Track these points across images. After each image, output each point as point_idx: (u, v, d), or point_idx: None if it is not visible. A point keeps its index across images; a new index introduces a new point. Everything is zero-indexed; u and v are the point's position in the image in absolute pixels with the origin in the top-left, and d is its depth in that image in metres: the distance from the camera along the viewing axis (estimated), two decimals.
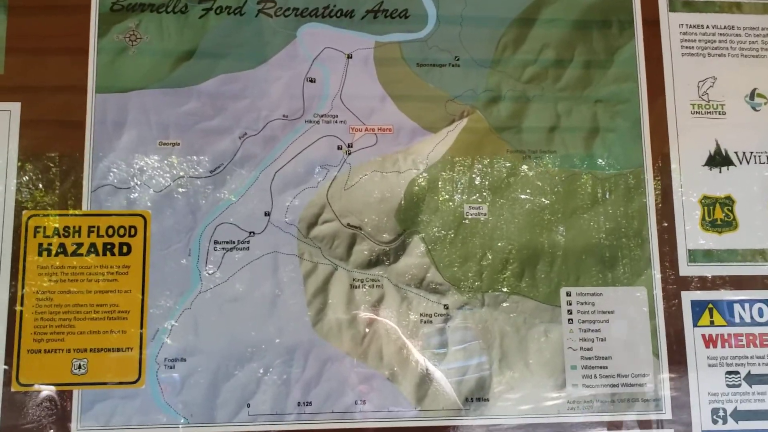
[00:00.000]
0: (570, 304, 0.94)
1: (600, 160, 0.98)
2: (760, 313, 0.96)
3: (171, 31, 0.96)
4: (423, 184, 0.96)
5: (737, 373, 0.95)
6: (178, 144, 0.93)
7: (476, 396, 0.92)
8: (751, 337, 0.96)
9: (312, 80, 0.97)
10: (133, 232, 0.90)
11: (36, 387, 0.86)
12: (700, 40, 1.02)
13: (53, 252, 0.89)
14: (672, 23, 1.02)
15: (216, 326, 0.90)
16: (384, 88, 0.98)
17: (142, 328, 0.88)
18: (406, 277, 0.94)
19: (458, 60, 0.99)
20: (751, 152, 1.00)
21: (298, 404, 0.90)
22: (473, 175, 0.97)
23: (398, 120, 0.97)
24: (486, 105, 0.99)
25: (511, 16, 1.01)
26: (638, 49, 1.01)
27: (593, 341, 0.94)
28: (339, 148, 0.96)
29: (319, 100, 0.96)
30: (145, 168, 0.92)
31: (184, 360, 0.89)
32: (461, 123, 0.98)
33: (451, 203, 0.96)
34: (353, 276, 0.93)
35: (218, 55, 0.96)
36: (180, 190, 0.92)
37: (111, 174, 0.92)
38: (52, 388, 0.87)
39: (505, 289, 0.94)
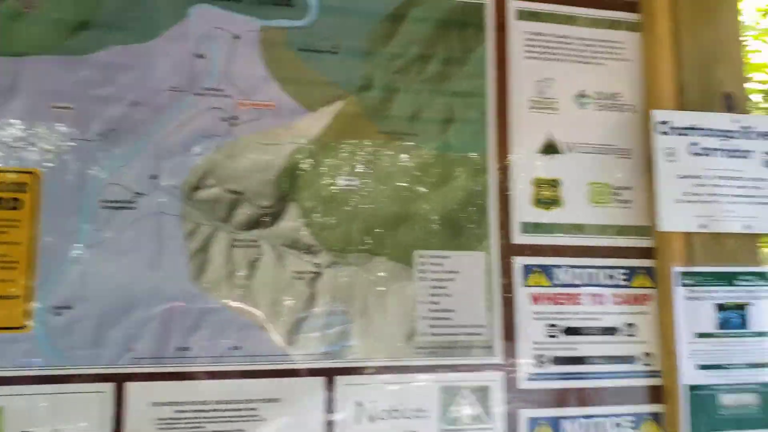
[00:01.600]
0: (422, 265, 1.10)
1: (453, 144, 1.14)
2: (577, 277, 1.16)
3: (66, 0, 1.01)
4: (301, 157, 1.08)
5: (557, 326, 1.14)
6: (71, 108, 0.99)
7: (340, 343, 1.05)
8: (568, 297, 1.15)
9: (201, 56, 1.06)
10: (24, 189, 0.96)
11: None
12: (540, 46, 1.20)
13: None
14: (518, 30, 1.20)
15: (102, 278, 0.97)
16: (268, 69, 1.08)
17: (30, 278, 0.95)
18: (282, 239, 1.05)
19: (336, 48, 1.12)
20: (576, 143, 1.19)
21: (178, 349, 0.99)
22: (346, 152, 1.10)
23: (280, 98, 1.08)
24: (359, 90, 1.12)
25: (384, 11, 1.15)
26: (489, 50, 1.18)
27: (440, 296, 1.10)
28: (224, 120, 1.05)
29: (206, 75, 1.05)
30: (38, 129, 0.98)
31: (70, 308, 0.96)
32: (337, 105, 1.11)
33: (325, 175, 1.08)
34: (233, 237, 1.04)
35: (112, 27, 1.02)
36: (71, 151, 0.99)
37: (4, 132, 0.96)
38: None
39: (369, 251, 1.08)
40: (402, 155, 1.12)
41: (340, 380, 1.05)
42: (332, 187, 1.08)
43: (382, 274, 1.08)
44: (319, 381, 1.04)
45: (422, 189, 1.12)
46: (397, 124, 1.13)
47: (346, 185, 1.09)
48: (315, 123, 1.09)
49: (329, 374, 1.05)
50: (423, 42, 1.15)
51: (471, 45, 1.17)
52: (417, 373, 1.08)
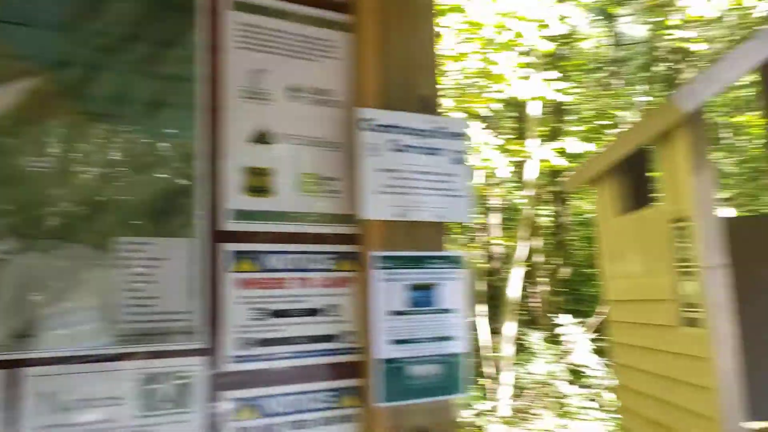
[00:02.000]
0: (125, 252, 1.08)
1: (161, 128, 1.13)
2: (286, 262, 1.22)
3: None
4: None
5: (264, 309, 1.19)
6: None
7: (28, 332, 0.99)
8: (276, 282, 1.21)
9: None
10: None
11: None
12: (253, 37, 1.24)
13: None
14: (231, 19, 1.22)
15: None
16: None
17: None
18: None
19: (28, 19, 1.04)
20: (288, 134, 1.25)
21: None
22: (38, 131, 1.03)
23: None
24: (56, 67, 1.06)
25: None
26: (200, 36, 1.18)
27: (143, 283, 1.08)
28: None
29: None
30: None
31: None
32: (29, 81, 1.04)
33: (10, 155, 1.01)
34: None
35: None
36: None
37: None
38: None
39: (62, 237, 1.03)
40: (104, 138, 1.08)
41: (28, 371, 0.99)
42: (19, 168, 1.01)
43: (79, 260, 1.04)
44: (3, 373, 0.97)
45: (126, 173, 1.09)
46: (99, 105, 1.09)
47: (37, 167, 1.03)
48: (1, 100, 1.01)
49: (16, 366, 0.98)
50: (131, 20, 1.12)
51: (181, 29, 1.17)
52: (115, 361, 1.05)
